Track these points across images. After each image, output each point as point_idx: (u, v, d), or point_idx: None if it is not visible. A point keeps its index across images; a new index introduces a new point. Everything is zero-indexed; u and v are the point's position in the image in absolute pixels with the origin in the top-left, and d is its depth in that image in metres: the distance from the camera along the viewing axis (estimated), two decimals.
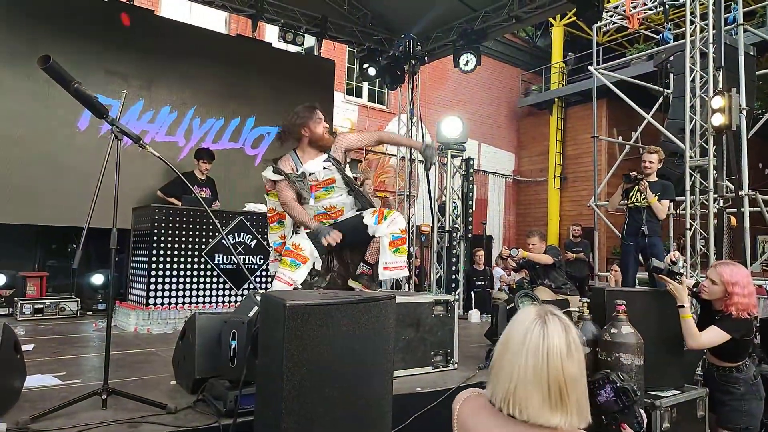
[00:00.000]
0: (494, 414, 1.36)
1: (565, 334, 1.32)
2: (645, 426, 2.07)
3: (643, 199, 5.21)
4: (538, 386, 1.28)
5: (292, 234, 3.52)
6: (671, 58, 8.86)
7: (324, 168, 3.39)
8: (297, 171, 3.37)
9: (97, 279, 5.97)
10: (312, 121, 3.39)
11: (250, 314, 2.42)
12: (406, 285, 7.62)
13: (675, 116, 7.97)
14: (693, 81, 6.03)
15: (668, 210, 5.80)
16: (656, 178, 5.36)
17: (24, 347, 2.90)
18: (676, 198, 5.74)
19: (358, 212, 3.49)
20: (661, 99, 9.34)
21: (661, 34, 9.58)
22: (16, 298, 5.27)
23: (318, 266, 3.39)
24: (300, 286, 3.26)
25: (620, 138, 11.06)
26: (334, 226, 3.37)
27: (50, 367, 3.20)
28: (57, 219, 6.14)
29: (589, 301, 3.12)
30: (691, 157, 5.84)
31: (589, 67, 9.70)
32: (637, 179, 5.28)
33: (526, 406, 1.29)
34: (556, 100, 15.28)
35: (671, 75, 9.14)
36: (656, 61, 9.81)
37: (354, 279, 3.49)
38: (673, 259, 3.07)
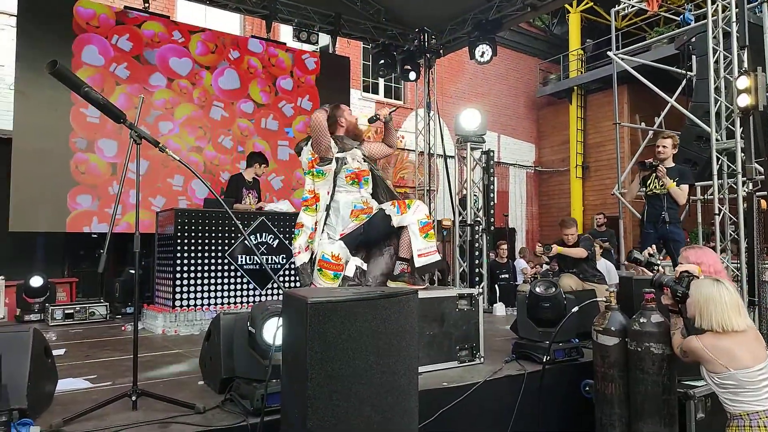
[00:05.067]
0: (720, 334, 2.43)
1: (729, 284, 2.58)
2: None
3: (662, 185, 5.10)
4: (735, 310, 2.44)
5: (323, 234, 3.41)
6: (693, 39, 8.64)
7: (358, 160, 3.51)
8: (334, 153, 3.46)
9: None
10: (345, 112, 3.59)
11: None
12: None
13: (699, 99, 7.77)
14: (717, 62, 5.87)
15: (688, 195, 5.65)
16: (673, 164, 5.23)
17: (55, 352, 2.96)
18: (704, 183, 5.59)
19: (378, 208, 3.52)
20: (684, 82, 9.12)
21: (681, 16, 9.36)
22: (47, 304, 5.39)
23: (350, 273, 3.37)
24: None
25: (643, 124, 10.85)
26: (366, 225, 3.41)
27: (81, 370, 3.26)
28: (83, 226, 6.27)
29: (616, 290, 3.07)
30: (717, 140, 5.70)
31: (609, 53, 9.51)
32: (652, 165, 5.18)
33: (731, 323, 2.41)
34: (575, 88, 15.03)
35: (694, 57, 8.91)
36: (677, 43, 9.57)
37: (394, 280, 3.47)
38: (651, 252, 3.53)
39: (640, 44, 10.87)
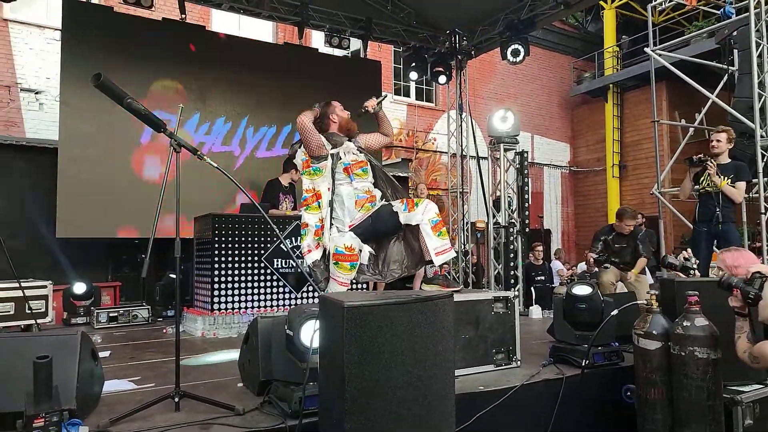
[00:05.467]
0: None
1: None
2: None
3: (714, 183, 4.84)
4: None
5: (332, 228, 3.46)
6: (734, 33, 8.36)
7: (354, 152, 3.53)
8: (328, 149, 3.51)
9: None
10: (337, 109, 3.64)
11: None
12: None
13: (742, 94, 7.52)
14: (760, 56, 5.70)
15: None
16: (729, 159, 4.93)
17: (101, 354, 3.07)
18: (750, 180, 5.36)
19: (387, 202, 3.56)
20: (725, 77, 8.83)
21: (721, 9, 9.05)
22: (92, 308, 5.58)
23: (364, 260, 3.44)
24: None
25: (683, 121, 10.56)
26: (373, 216, 3.45)
27: (126, 372, 3.36)
28: (125, 232, 6.47)
29: (657, 292, 2.99)
30: (762, 136, 5.51)
31: (646, 49, 9.27)
32: (701, 161, 4.92)
33: None
34: (611, 86, 14.72)
35: (735, 51, 8.63)
36: (718, 37, 9.26)
37: (428, 282, 3.50)
38: (687, 256, 3.48)
39: (679, 39, 10.56)
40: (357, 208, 3.45)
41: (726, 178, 4.77)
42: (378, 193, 3.58)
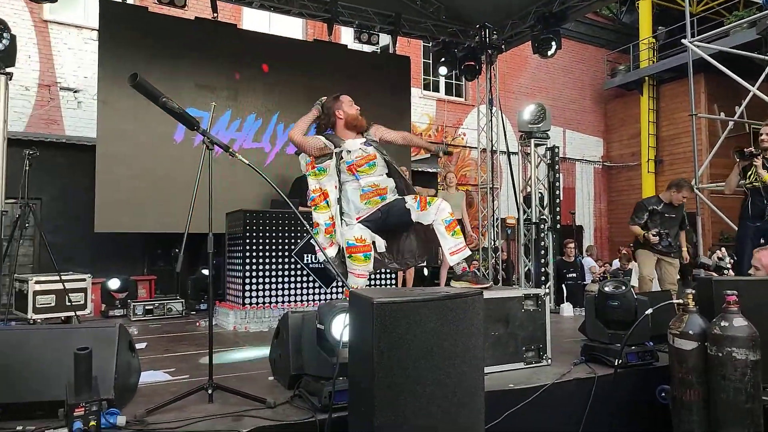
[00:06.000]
0: None
1: None
2: None
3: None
4: None
5: (342, 223, 3.49)
6: None
7: (360, 147, 3.50)
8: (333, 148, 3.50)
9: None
10: (344, 104, 3.56)
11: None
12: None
13: None
14: None
15: None
16: None
17: (138, 345, 3.15)
18: None
19: (400, 197, 3.54)
20: (767, 68, 8.51)
21: None
22: (129, 300, 5.74)
23: (381, 248, 3.48)
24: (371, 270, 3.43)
25: (722, 114, 10.21)
26: (384, 209, 3.46)
27: (162, 363, 3.45)
28: (160, 226, 6.62)
29: (694, 291, 2.91)
30: None
31: (683, 41, 9.00)
32: (752, 155, 4.76)
33: None
34: (646, 78, 14.37)
35: None
36: (760, 27, 8.92)
37: (457, 279, 3.49)
38: (720, 256, 3.44)
39: (718, 30, 10.22)
40: (363, 202, 3.47)
41: None
42: (390, 184, 3.55)
